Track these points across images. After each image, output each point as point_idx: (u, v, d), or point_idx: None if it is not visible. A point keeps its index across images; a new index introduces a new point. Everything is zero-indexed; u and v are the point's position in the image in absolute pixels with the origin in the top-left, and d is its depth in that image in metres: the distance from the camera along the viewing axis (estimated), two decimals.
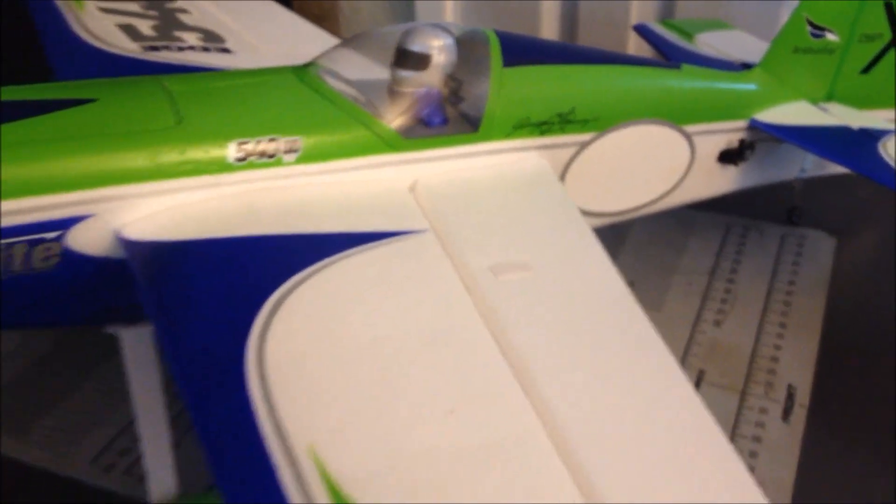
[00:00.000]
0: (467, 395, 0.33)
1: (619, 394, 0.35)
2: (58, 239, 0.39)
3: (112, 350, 0.58)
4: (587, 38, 0.98)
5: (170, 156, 0.40)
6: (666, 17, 0.95)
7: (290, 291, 0.36)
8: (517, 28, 0.99)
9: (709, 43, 0.69)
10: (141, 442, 0.44)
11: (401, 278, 0.38)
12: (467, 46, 0.48)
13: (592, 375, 0.35)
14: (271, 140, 0.42)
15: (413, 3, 1.03)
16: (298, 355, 0.33)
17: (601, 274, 0.41)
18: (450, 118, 0.47)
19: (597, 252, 0.43)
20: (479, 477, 0.30)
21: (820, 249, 0.65)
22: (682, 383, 0.36)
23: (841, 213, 0.69)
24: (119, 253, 0.40)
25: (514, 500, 0.30)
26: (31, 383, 0.56)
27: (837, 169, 0.65)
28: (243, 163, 0.41)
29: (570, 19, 1.01)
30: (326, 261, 0.38)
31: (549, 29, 1.01)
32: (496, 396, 0.33)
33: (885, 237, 0.67)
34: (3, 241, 0.38)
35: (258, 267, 0.38)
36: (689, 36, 0.70)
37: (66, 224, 0.39)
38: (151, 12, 0.59)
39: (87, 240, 0.40)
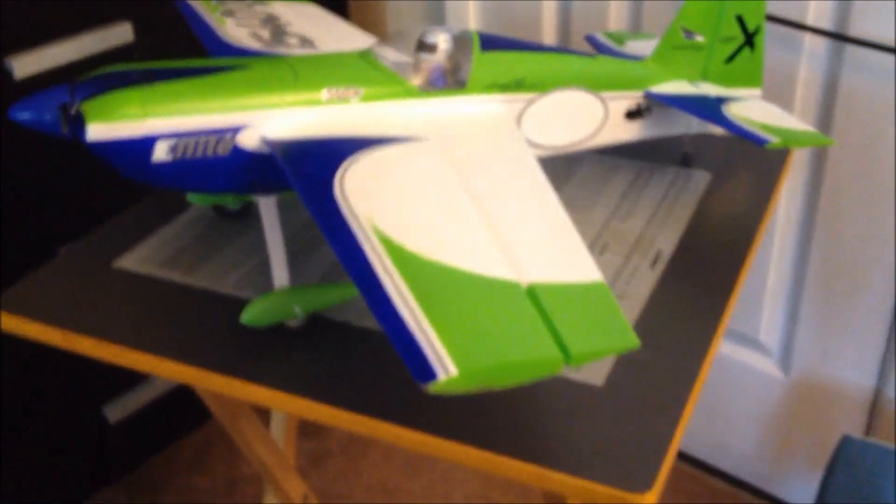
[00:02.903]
0: (446, 196, 0.66)
1: (520, 204, 0.68)
2: (231, 137, 0.72)
3: (238, 228, 0.92)
4: (578, 42, 1.33)
5: (291, 96, 0.73)
6: (634, 26, 1.31)
7: (355, 159, 0.69)
8: (522, 30, 1.36)
9: (633, 47, 1.02)
10: (271, 264, 0.78)
11: (414, 153, 0.71)
12: (460, 40, 0.81)
13: (509, 197, 0.68)
14: (346, 88, 0.75)
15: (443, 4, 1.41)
16: (360, 181, 0.66)
17: (529, 165, 0.74)
18: (448, 81, 0.80)
19: (530, 157, 0.75)
20: (458, 229, 0.64)
21: (699, 180, 0.97)
22: (559, 210, 0.69)
23: (719, 159, 1.01)
24: (263, 148, 0.73)
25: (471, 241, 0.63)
26: (198, 242, 0.90)
27: (718, 129, 0.97)
28: (329, 100, 0.75)
29: (564, 25, 1.37)
30: (375, 147, 0.71)
31: (547, 34, 1.38)
32: (463, 201, 0.66)
33: (747, 173, 0.99)
34: (204, 137, 0.72)
35: (338, 150, 0.70)
36: (620, 42, 1.03)
37: (235, 130, 0.71)
38: (267, 26, 0.94)
39: (247, 139, 0.71)
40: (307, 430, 1.74)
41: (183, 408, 1.64)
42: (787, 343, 1.42)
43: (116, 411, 1.51)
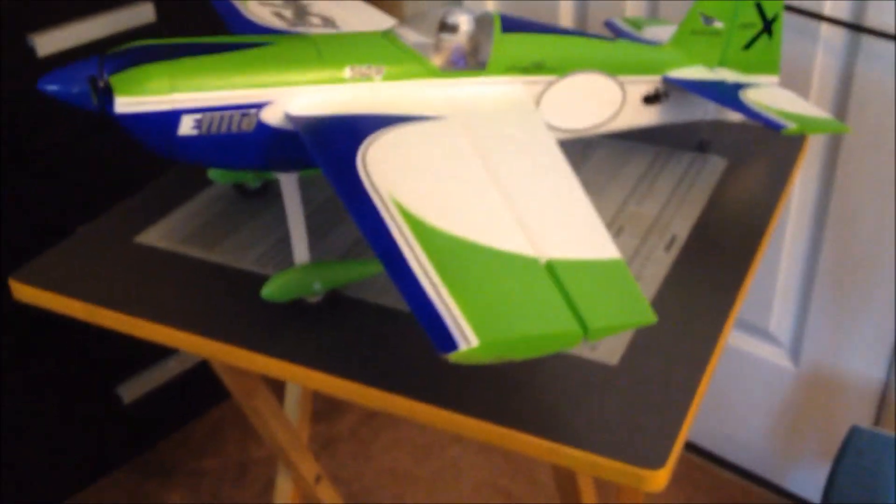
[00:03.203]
0: (466, 173, 0.67)
1: (539, 183, 0.69)
2: (256, 113, 0.73)
3: (258, 206, 0.93)
4: (594, 26, 1.35)
5: (314, 73, 0.74)
6: (651, 12, 1.31)
7: (377, 136, 0.70)
8: (539, 15, 1.37)
9: (651, 33, 1.03)
10: (291, 240, 0.79)
11: (434, 130, 0.72)
12: (481, 21, 0.82)
13: (528, 176, 0.69)
14: (368, 67, 0.76)
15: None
16: (382, 158, 0.67)
17: (548, 145, 0.75)
18: (468, 62, 0.80)
19: (549, 137, 0.76)
20: (478, 205, 0.65)
21: (715, 165, 0.97)
22: (578, 189, 0.70)
23: (735, 146, 1.02)
24: (286, 125, 0.74)
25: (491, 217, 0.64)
26: (219, 219, 0.92)
27: (734, 116, 0.98)
28: (352, 78, 0.76)
29: (581, 10, 1.38)
30: (398, 125, 0.72)
31: (565, 19, 1.38)
32: (483, 178, 0.67)
33: (763, 159, 1.00)
34: (229, 112, 0.73)
35: (361, 126, 0.71)
36: (638, 27, 1.04)
37: (260, 106, 0.72)
38: (290, 5, 0.94)
39: (271, 115, 0.72)
40: (317, 414, 1.76)
41: (194, 390, 1.66)
42: (797, 334, 1.42)
43: (131, 391, 1.52)
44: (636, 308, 0.61)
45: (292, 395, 1.23)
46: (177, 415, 1.70)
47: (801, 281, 1.38)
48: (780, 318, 1.43)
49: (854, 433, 1.16)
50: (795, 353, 1.44)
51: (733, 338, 1.47)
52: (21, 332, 1.34)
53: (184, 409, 1.71)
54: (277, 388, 1.12)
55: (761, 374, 1.48)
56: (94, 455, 1.57)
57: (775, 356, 1.46)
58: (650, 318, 0.61)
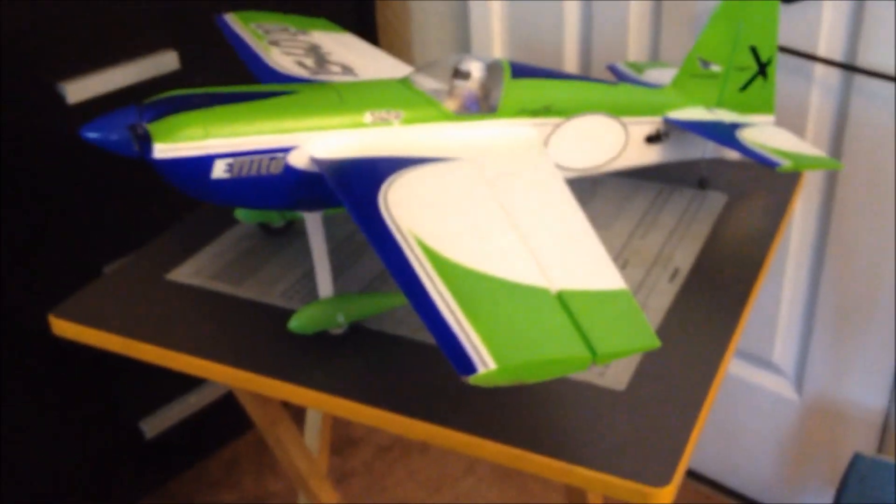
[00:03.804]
0: (481, 210, 0.72)
1: (549, 219, 0.73)
2: (283, 157, 0.78)
3: (282, 244, 0.98)
4: (597, 70, 1.40)
5: (337, 119, 0.79)
6: (652, 57, 1.37)
7: (398, 176, 0.75)
8: (545, 61, 1.43)
9: (651, 76, 1.08)
10: (316, 275, 0.84)
11: (450, 171, 0.77)
12: (492, 68, 0.87)
13: (539, 212, 0.74)
14: (387, 112, 0.81)
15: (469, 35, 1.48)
16: (402, 197, 0.72)
17: (557, 183, 0.80)
18: (481, 106, 0.86)
19: (557, 176, 0.81)
20: (492, 240, 0.70)
21: (715, 201, 1.02)
22: (585, 224, 0.74)
23: (734, 182, 1.07)
24: (312, 167, 0.79)
25: (504, 251, 0.69)
26: (245, 257, 0.96)
27: (732, 154, 1.03)
28: (372, 122, 0.81)
29: (585, 55, 1.43)
30: (416, 166, 0.77)
31: (569, 64, 1.44)
32: (497, 215, 0.72)
33: (760, 195, 1.05)
34: (258, 157, 0.78)
35: (382, 168, 0.76)
36: (639, 70, 1.09)
37: (287, 150, 0.77)
38: (311, 55, 1.00)
39: (297, 159, 0.77)
40: (332, 448, 1.79)
41: (212, 425, 1.69)
42: (800, 364, 1.46)
43: (153, 426, 1.56)
44: (641, 334, 0.66)
45: (312, 427, 1.27)
46: (195, 449, 1.74)
47: (803, 312, 1.42)
48: (783, 349, 1.46)
49: (857, 460, 1.20)
50: (798, 382, 1.47)
51: (738, 368, 1.51)
52: (51, 370, 1.38)
53: (201, 443, 1.74)
54: (298, 419, 1.16)
55: (765, 403, 1.52)
56: (114, 489, 1.60)
57: (779, 386, 1.50)
58: (654, 342, 0.66)
